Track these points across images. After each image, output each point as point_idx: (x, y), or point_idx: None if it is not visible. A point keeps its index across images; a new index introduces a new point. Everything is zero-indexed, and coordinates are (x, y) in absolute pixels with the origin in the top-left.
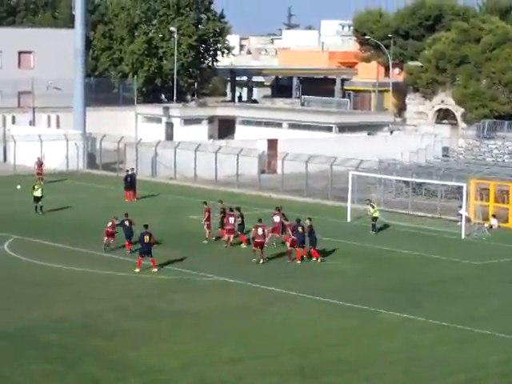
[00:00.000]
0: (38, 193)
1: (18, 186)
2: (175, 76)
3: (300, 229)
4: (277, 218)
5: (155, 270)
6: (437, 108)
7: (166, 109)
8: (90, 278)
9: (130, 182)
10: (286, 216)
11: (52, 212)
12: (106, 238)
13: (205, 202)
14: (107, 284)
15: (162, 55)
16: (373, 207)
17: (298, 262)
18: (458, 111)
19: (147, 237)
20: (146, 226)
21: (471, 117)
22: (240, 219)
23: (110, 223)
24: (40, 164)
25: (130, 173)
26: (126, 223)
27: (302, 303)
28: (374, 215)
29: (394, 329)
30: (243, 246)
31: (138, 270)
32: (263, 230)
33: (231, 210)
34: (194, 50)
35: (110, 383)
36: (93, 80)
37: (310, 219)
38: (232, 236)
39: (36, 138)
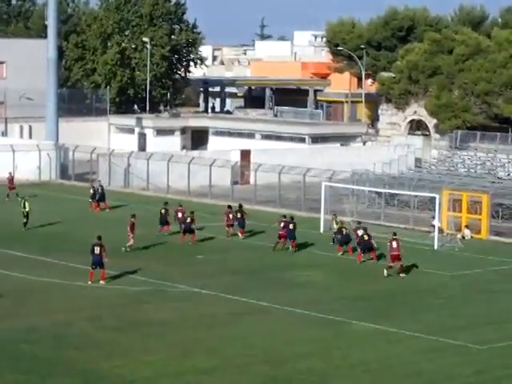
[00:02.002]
0: (27, 208)
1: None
2: (148, 86)
3: (291, 226)
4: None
5: (103, 282)
6: (409, 119)
7: (139, 119)
8: (61, 288)
9: (102, 194)
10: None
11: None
12: None
13: (229, 206)
14: (78, 294)
15: (134, 66)
16: (337, 223)
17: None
18: (431, 122)
19: (98, 248)
20: (99, 238)
21: (444, 128)
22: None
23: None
24: (11, 179)
25: (98, 185)
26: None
27: (274, 314)
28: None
29: (366, 339)
30: (240, 237)
31: (90, 283)
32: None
33: (229, 206)
34: (167, 60)
35: None
36: (65, 90)
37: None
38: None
39: (8, 149)
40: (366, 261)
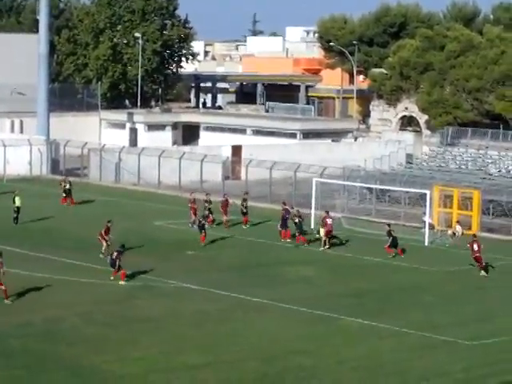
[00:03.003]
0: (18, 203)
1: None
2: (139, 82)
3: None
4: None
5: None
6: (401, 115)
7: (130, 114)
8: (51, 283)
9: (69, 190)
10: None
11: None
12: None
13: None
14: (69, 290)
15: (126, 61)
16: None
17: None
18: (422, 118)
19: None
20: (122, 246)
21: (435, 124)
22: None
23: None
24: None
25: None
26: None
27: (266, 310)
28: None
29: (357, 336)
30: (243, 226)
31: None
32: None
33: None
34: (159, 55)
35: None
36: (57, 85)
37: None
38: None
39: None
40: (357, 257)
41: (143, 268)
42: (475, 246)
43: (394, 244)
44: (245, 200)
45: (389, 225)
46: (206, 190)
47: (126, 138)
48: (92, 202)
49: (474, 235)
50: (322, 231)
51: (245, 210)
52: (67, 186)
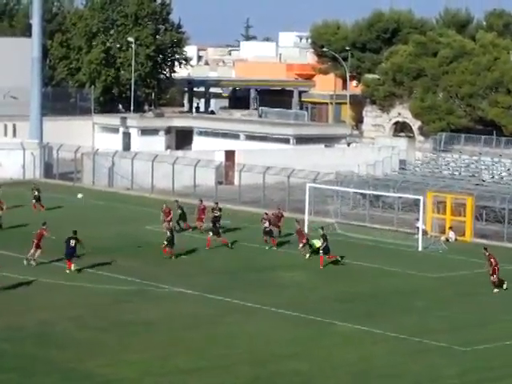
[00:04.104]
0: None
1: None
2: (132, 86)
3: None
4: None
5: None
6: (394, 121)
7: (124, 119)
8: (43, 287)
9: (38, 197)
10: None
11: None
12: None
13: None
14: (61, 293)
15: (119, 65)
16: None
17: None
18: (415, 124)
19: (73, 241)
20: (74, 232)
21: (428, 130)
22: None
23: None
24: None
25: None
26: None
27: (258, 314)
28: (317, 246)
29: (350, 340)
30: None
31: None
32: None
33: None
34: (152, 60)
35: None
36: (50, 89)
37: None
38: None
39: None
40: (350, 262)
41: (136, 272)
42: (492, 261)
43: (327, 251)
44: (219, 209)
45: (322, 228)
46: (199, 195)
47: (119, 142)
48: (85, 205)
49: (485, 248)
50: (318, 243)
51: (218, 225)
52: (36, 193)
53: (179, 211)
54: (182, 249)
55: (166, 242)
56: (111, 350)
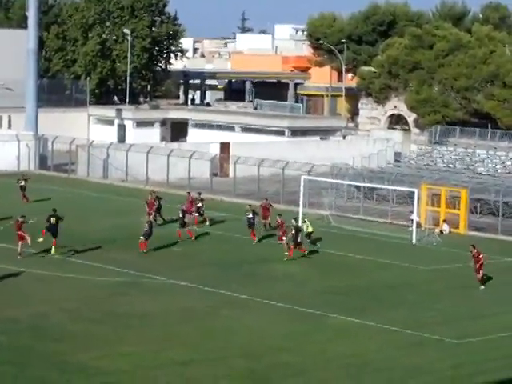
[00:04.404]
0: None
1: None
2: (128, 78)
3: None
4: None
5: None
6: (389, 113)
7: (119, 111)
8: (38, 279)
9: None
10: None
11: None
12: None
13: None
14: (56, 285)
15: (115, 57)
16: (307, 226)
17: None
18: (411, 117)
19: (54, 219)
20: (54, 210)
21: (423, 122)
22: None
23: None
24: None
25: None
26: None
27: (253, 307)
28: (309, 230)
29: (344, 333)
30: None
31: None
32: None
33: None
34: (148, 52)
35: None
36: (45, 81)
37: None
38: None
39: None
40: (344, 255)
41: (131, 264)
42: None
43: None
44: (201, 200)
45: (295, 219)
46: (194, 187)
47: (114, 134)
48: (79, 195)
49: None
50: (309, 228)
51: (201, 212)
52: (22, 183)
53: (156, 203)
54: (176, 241)
55: (142, 238)
56: (106, 342)
